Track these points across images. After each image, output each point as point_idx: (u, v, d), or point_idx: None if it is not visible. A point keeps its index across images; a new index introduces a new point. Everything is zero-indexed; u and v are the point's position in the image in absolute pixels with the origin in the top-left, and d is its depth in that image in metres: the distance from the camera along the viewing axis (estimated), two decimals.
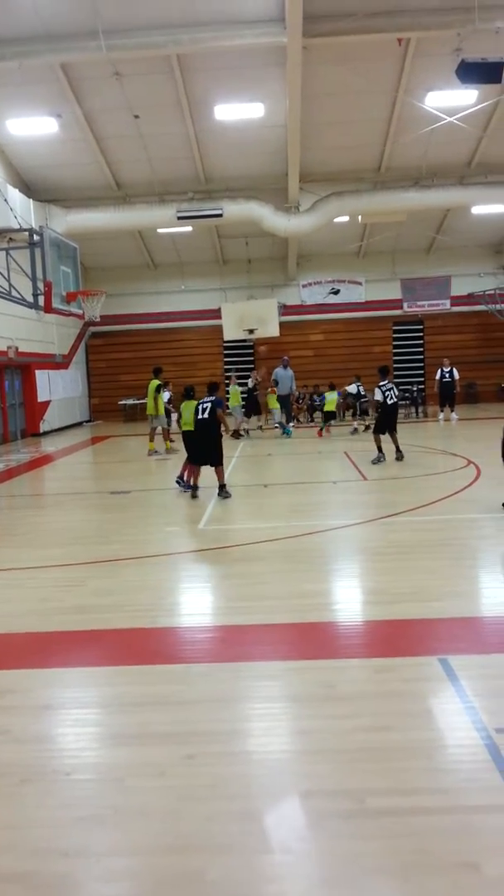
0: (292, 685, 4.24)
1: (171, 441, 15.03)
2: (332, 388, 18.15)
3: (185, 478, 10.51)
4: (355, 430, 17.84)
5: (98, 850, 2.89)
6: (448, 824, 2.95)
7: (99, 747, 3.73)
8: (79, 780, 3.39)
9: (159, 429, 15.24)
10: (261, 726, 3.85)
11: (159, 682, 4.37)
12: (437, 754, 3.46)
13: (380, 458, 12.37)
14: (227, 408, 16.97)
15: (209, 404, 9.66)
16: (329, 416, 17.86)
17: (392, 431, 12.67)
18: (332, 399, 17.75)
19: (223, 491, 9.86)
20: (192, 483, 10.17)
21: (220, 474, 9.89)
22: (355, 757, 3.44)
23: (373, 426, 13.24)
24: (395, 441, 12.67)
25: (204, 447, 9.83)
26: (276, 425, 18.53)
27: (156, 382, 14.93)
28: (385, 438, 12.65)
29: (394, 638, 4.94)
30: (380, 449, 12.49)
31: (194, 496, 9.97)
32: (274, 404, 18.71)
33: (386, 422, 12.67)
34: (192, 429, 10.03)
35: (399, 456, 12.56)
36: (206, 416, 9.64)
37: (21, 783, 3.36)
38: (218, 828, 2.98)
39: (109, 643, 5.09)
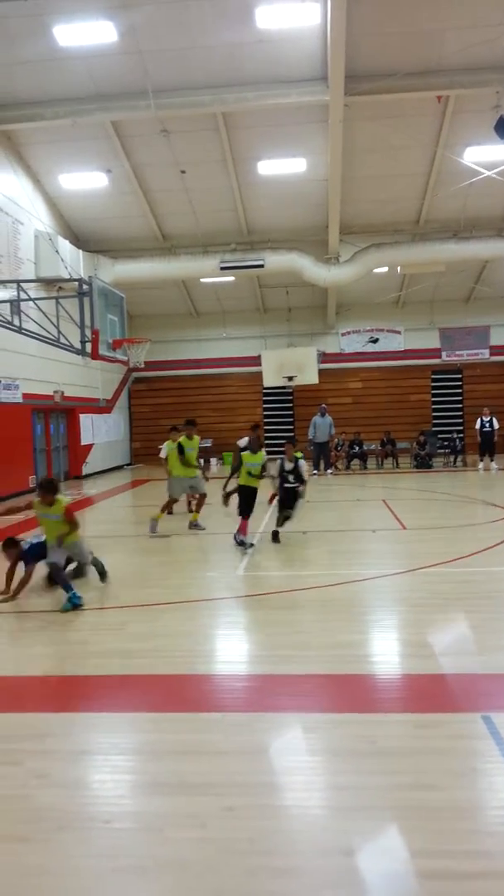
0: (331, 738, 4.19)
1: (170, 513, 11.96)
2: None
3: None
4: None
5: None
6: (492, 889, 2.87)
7: (137, 795, 3.70)
8: (117, 828, 3.37)
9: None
10: (300, 780, 3.79)
11: (196, 731, 4.35)
12: (482, 816, 3.38)
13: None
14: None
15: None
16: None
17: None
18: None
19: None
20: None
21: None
22: (397, 815, 3.37)
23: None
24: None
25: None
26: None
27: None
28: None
29: (435, 693, 4.85)
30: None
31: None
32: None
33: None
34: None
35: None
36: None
37: (59, 829, 3.35)
38: (258, 884, 2.93)
39: (147, 688, 5.09)
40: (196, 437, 11.72)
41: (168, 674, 5.31)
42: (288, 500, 10.08)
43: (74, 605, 7.03)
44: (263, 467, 9.82)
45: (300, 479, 10.03)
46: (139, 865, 3.08)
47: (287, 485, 10.02)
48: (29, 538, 7.97)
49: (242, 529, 9.70)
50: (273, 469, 10.11)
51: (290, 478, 9.97)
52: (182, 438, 11.58)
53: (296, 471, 10.00)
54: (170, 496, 11.64)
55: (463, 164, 17.02)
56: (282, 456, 10.22)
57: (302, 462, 10.09)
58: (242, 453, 9.73)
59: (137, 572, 8.95)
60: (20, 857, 3.17)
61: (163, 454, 12.15)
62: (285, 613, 6.78)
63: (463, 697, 4.74)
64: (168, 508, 11.59)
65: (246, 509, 9.74)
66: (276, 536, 10.12)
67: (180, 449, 11.49)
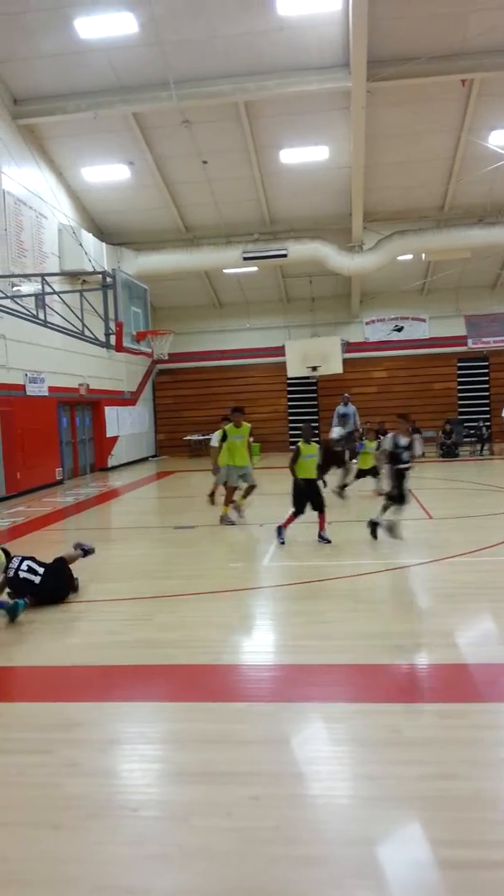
0: (356, 728, 4.19)
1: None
2: (378, 434, 14.10)
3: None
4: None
5: (162, 890, 2.91)
6: None
7: (164, 784, 3.75)
8: (145, 816, 3.41)
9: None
10: (325, 770, 3.81)
11: (222, 720, 4.39)
12: None
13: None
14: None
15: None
16: (363, 475, 13.61)
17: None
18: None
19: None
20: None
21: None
22: (422, 805, 3.37)
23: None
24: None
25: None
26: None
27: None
28: None
29: (461, 682, 4.84)
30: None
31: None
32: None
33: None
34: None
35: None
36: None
37: (87, 817, 3.40)
38: (283, 873, 2.96)
39: (173, 679, 5.14)
40: (246, 425, 11.45)
41: (194, 664, 5.35)
42: (400, 482, 8.98)
43: (12, 611, 6.48)
44: (325, 461, 9.41)
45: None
46: (166, 853, 3.12)
47: (401, 465, 8.91)
48: None
49: (287, 522, 9.45)
50: (387, 443, 9.19)
51: (405, 455, 8.87)
52: (229, 427, 11.40)
53: (410, 447, 8.94)
54: (216, 483, 11.95)
55: (488, 148, 16.79)
56: (392, 433, 9.26)
57: (417, 437, 9.21)
58: (300, 443, 9.41)
59: (163, 563, 9.02)
60: (51, 844, 3.23)
61: (213, 442, 12.12)
62: (311, 603, 6.79)
63: (489, 687, 4.72)
64: (229, 497, 11.35)
65: (311, 507, 9.31)
66: (393, 530, 9.09)
67: (224, 437, 11.42)
